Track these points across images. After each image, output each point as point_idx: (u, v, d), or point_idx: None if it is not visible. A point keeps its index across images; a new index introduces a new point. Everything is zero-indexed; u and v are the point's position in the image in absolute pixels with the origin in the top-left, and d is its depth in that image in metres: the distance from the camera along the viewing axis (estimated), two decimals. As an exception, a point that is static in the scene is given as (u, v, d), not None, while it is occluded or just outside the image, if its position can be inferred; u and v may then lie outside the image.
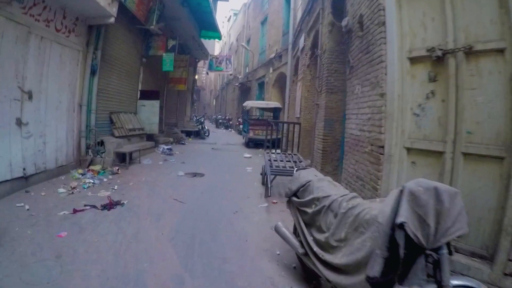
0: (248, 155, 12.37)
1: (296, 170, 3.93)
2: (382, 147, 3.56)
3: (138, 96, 11.98)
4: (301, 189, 3.47)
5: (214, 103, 52.09)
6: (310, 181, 3.41)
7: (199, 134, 18.84)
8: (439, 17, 3.49)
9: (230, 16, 38.92)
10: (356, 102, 4.24)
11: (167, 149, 12.20)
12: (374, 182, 3.59)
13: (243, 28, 27.53)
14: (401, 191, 2.20)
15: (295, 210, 3.61)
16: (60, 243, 3.92)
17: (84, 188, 6.35)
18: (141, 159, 9.74)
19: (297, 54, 12.05)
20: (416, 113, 3.60)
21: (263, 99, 19.35)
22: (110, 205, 5.36)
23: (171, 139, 15.03)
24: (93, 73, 8.16)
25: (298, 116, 10.13)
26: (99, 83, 8.52)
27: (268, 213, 5.69)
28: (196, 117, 23.08)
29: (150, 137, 12.31)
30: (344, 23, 4.65)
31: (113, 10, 7.33)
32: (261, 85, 20.96)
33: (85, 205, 5.30)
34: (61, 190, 6.05)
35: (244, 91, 25.59)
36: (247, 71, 25.30)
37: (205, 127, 19.86)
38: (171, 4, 11.00)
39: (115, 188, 6.49)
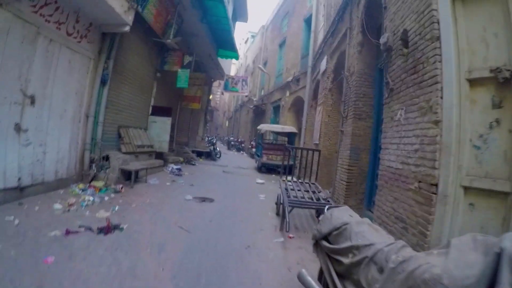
0: (260, 181, 11.71)
1: (328, 209, 3.32)
2: (435, 185, 2.92)
3: (150, 112, 11.56)
4: (335, 232, 2.84)
5: (227, 124, 51.91)
6: (346, 224, 2.77)
7: (210, 155, 18.31)
8: (504, 33, 2.92)
9: (248, 38, 39.23)
10: (397, 130, 3.64)
11: (176, 169, 11.65)
12: (423, 226, 2.93)
13: (260, 51, 27.47)
14: (498, 254, 1.55)
15: (324, 256, 2.97)
16: (45, 270, 3.36)
17: (82, 206, 5.78)
18: (148, 178, 9.18)
19: (317, 78, 11.59)
20: (477, 145, 2.97)
21: (277, 123, 18.88)
22: (107, 229, 4.75)
23: (181, 159, 14.52)
24: (103, 83, 7.77)
25: (317, 142, 9.53)
26: (109, 94, 8.12)
27: (285, 249, 5.00)
28: (208, 137, 22.63)
29: (159, 155, 11.79)
30: (382, 40, 4.12)
31: (129, 18, 6.99)
32: (276, 109, 20.53)
33: (80, 226, 4.72)
34: (57, 206, 5.50)
35: (258, 114, 25.19)
36: (262, 93, 25.00)
37: (216, 149, 19.35)
38: (190, 19, 10.73)
39: (116, 209, 5.89)
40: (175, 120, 14.98)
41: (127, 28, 7.09)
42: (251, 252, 4.69)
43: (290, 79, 16.96)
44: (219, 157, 19.24)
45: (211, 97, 25.40)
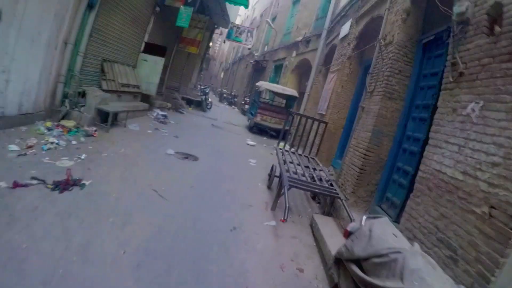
0: (251, 143, 10.83)
1: (367, 219, 2.48)
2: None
3: (142, 49, 10.26)
4: (376, 260, 2.01)
5: (222, 75, 49.89)
6: (397, 253, 1.93)
7: (200, 105, 17.17)
8: None
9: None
10: (462, 128, 2.69)
11: (162, 115, 10.63)
12: (486, 268, 2.10)
13: (270, 5, 25.43)
14: None
15: (349, 284, 2.16)
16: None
17: (43, 149, 4.81)
18: (128, 122, 8.13)
19: (333, 42, 10.38)
20: None
21: (277, 83, 17.66)
22: (65, 185, 3.83)
23: (169, 105, 13.40)
24: (90, 6, 6.53)
25: (323, 113, 8.56)
26: (96, 21, 6.90)
27: (276, 238, 4.23)
28: (201, 86, 21.18)
29: (145, 97, 10.64)
30: (458, 9, 3.06)
31: None
32: (278, 68, 19.19)
33: (32, 178, 3.78)
34: (13, 147, 4.53)
35: (258, 71, 23.77)
36: (265, 50, 23.41)
37: (208, 99, 18.15)
38: None
39: (82, 157, 4.94)
40: (168, 61, 13.66)
41: None
42: (236, 237, 3.90)
43: (299, 39, 15.58)
44: (209, 109, 18.14)
45: (210, 44, 23.75)
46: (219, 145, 9.11)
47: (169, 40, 12.98)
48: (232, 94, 28.97)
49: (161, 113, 10.81)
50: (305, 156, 7.17)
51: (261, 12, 28.88)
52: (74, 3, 6.13)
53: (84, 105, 6.74)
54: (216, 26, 18.75)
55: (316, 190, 4.83)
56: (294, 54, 15.89)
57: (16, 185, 3.50)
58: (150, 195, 4.37)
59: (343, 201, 4.49)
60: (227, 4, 14.86)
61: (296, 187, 4.64)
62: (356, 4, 8.18)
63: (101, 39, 7.53)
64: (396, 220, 3.88)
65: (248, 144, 10.54)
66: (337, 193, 4.71)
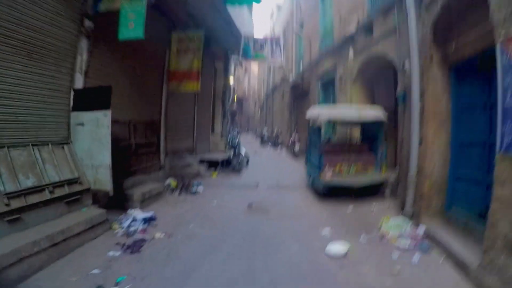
0: (337, 247, 4.71)
1: None
2: None
3: (71, 105, 5.17)
4: None
5: (258, 114, 44.79)
6: None
7: (230, 164, 11.71)
8: None
9: (273, 12, 32.04)
10: None
11: (143, 220, 5.31)
12: None
13: (291, 16, 20.28)
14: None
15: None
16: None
17: None
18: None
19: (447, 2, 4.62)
20: None
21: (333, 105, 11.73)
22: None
23: (173, 183, 8.09)
24: None
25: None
26: None
27: None
28: (228, 136, 15.50)
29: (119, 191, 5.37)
30: None
31: None
32: (328, 85, 13.36)
33: None
34: None
35: (299, 97, 18.08)
36: (301, 69, 17.92)
37: (240, 152, 12.62)
38: None
39: None
40: (159, 114, 8.58)
41: None
42: None
43: (353, 31, 9.94)
44: (247, 163, 12.63)
45: (231, 80, 18.82)
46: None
47: (148, 79, 7.92)
48: (275, 133, 23.46)
49: (140, 217, 5.44)
50: None
51: (283, 28, 23.72)
52: None
53: None
54: (229, 51, 13.78)
55: None
56: (350, 53, 10.09)
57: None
58: None
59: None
60: (232, 13, 9.79)
61: None
62: None
63: None
64: None
65: (328, 254, 4.54)
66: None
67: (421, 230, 4.79)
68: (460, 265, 3.75)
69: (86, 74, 5.45)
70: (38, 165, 4.46)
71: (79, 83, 5.32)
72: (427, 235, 4.71)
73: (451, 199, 4.98)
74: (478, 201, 4.30)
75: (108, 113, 5.10)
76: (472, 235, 4.16)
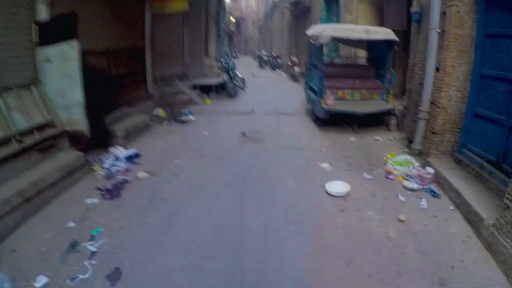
0: (337, 189, 4.21)
1: None
2: None
3: (36, 39, 4.40)
4: None
5: (257, 35, 42.27)
6: None
7: (225, 88, 10.93)
8: None
9: None
10: None
11: (127, 159, 4.91)
12: None
13: None
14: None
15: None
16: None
17: None
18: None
19: None
20: None
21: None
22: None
23: (162, 113, 7.55)
24: None
25: None
26: None
27: None
28: (222, 59, 14.24)
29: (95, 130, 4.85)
30: None
31: None
32: (331, 2, 12.01)
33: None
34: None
35: (300, 16, 16.54)
36: (302, -17, 16.11)
37: (235, 76, 11.65)
38: None
39: None
40: (141, 39, 7.67)
41: None
42: None
43: None
44: (241, 89, 11.76)
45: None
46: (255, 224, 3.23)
47: (127, 4, 6.91)
48: (274, 55, 22.11)
49: (123, 154, 5.00)
50: None
51: None
52: None
53: None
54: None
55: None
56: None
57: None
58: None
59: None
60: None
61: None
62: None
63: None
64: None
65: (328, 192, 4.13)
66: None
67: (429, 170, 4.33)
68: (472, 218, 3.32)
69: (52, 4, 4.55)
70: (2, 114, 3.84)
71: (43, 14, 4.46)
72: (436, 177, 4.26)
73: (466, 139, 4.40)
74: (497, 144, 3.74)
75: (75, 44, 4.35)
76: (486, 183, 3.69)
